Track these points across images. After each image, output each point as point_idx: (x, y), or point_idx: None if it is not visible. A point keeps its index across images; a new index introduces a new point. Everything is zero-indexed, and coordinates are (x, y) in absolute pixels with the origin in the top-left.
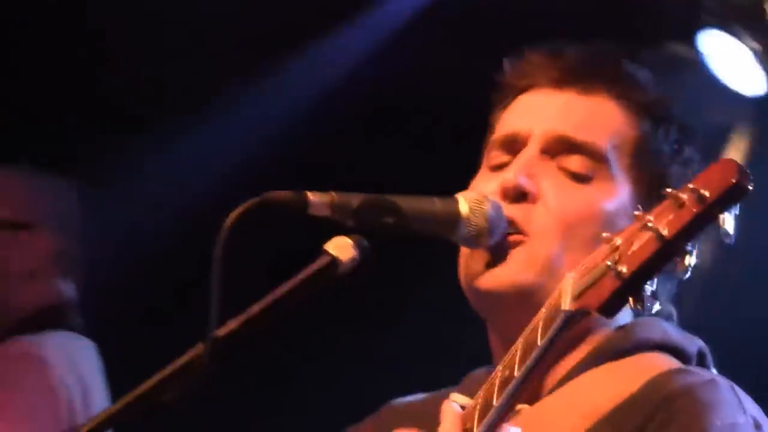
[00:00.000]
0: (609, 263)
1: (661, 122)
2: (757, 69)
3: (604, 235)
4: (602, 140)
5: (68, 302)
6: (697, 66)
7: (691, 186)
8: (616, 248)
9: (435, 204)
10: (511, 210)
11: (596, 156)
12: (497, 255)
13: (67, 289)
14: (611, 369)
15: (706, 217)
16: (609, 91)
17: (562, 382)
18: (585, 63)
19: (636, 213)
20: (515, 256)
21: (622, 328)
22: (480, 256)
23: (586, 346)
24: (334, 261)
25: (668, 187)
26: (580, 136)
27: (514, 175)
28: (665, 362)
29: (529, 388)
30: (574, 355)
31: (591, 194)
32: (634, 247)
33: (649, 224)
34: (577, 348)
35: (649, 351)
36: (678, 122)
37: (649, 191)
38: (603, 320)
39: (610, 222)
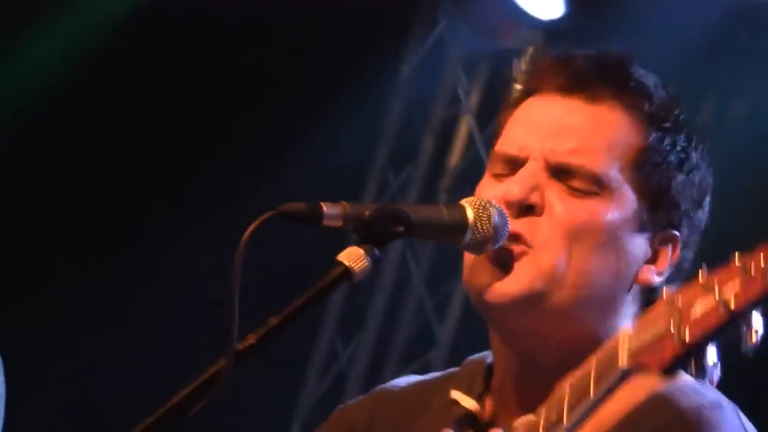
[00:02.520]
0: (672, 325)
1: (668, 131)
2: None
3: (665, 291)
4: (600, 160)
5: None
6: None
7: (763, 256)
8: (678, 309)
9: (442, 212)
10: (516, 225)
11: (594, 179)
12: (503, 267)
13: None
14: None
15: None
16: (616, 99)
17: None
18: (593, 70)
19: (700, 272)
20: (521, 267)
21: None
22: (485, 268)
23: None
24: (348, 271)
25: (673, 197)
26: (575, 160)
27: (519, 189)
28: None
29: None
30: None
31: (594, 206)
32: (698, 313)
33: (714, 290)
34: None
35: None
36: (685, 129)
37: (655, 201)
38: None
39: (613, 233)
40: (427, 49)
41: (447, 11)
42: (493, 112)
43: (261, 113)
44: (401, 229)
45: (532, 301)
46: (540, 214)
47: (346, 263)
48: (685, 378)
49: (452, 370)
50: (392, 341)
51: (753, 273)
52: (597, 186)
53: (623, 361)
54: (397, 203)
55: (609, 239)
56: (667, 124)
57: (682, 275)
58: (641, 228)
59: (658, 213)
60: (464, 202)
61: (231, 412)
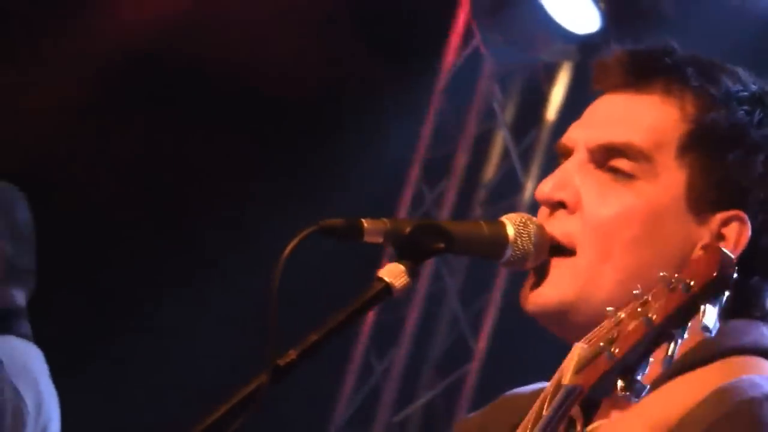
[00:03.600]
0: (607, 341)
1: (719, 109)
2: (590, 7)
3: (609, 309)
4: (643, 136)
5: (18, 309)
6: (530, 2)
7: (687, 271)
8: (618, 324)
9: (482, 228)
10: (551, 225)
11: (636, 154)
12: (540, 274)
13: (17, 295)
14: (690, 379)
15: (690, 307)
16: (664, 86)
17: (648, 391)
18: (641, 63)
19: (635, 293)
20: (555, 273)
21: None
22: (529, 278)
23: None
24: (389, 287)
25: (729, 174)
26: (617, 138)
27: (548, 186)
28: (748, 367)
29: None
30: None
31: (630, 195)
32: (630, 328)
33: (644, 306)
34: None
35: (738, 356)
36: (743, 105)
37: (708, 180)
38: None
39: (658, 218)
40: (462, 61)
41: (482, 24)
42: (527, 126)
43: (296, 127)
44: (442, 245)
45: (567, 308)
46: (573, 212)
47: (387, 279)
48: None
49: None
50: (427, 354)
51: (675, 288)
52: (643, 162)
53: (567, 378)
54: (433, 218)
55: (653, 226)
56: (718, 102)
57: None
58: (695, 210)
59: (714, 193)
60: (505, 218)
61: (265, 427)
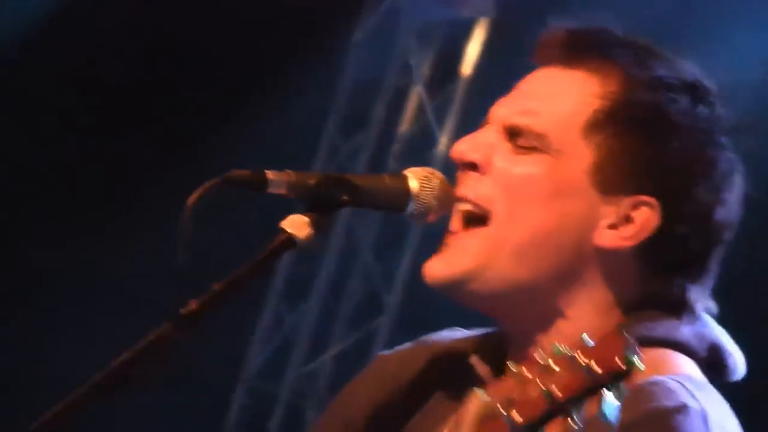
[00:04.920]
0: (507, 402)
1: (643, 93)
2: None
3: (509, 364)
4: (550, 120)
5: None
6: None
7: (592, 353)
8: (522, 382)
9: (386, 181)
10: (464, 188)
11: (537, 136)
12: (443, 245)
13: None
14: None
15: (591, 390)
16: (591, 64)
17: None
18: (573, 39)
19: (535, 355)
20: (456, 244)
21: (629, 319)
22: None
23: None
24: (291, 239)
25: (642, 160)
26: (522, 120)
27: (462, 146)
28: (659, 362)
29: None
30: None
31: (537, 160)
32: (531, 395)
33: (547, 374)
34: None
35: (651, 347)
36: (670, 92)
37: (618, 162)
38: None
39: (560, 189)
40: (381, 16)
41: None
42: (443, 81)
43: (212, 80)
44: (346, 198)
45: (460, 280)
46: (484, 173)
47: (290, 230)
48: (673, 362)
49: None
50: (339, 307)
51: (582, 367)
52: (541, 144)
53: (467, 429)
54: (348, 171)
55: (556, 196)
56: (643, 85)
57: (687, 258)
58: (601, 188)
59: (624, 174)
60: (408, 171)
61: (176, 377)
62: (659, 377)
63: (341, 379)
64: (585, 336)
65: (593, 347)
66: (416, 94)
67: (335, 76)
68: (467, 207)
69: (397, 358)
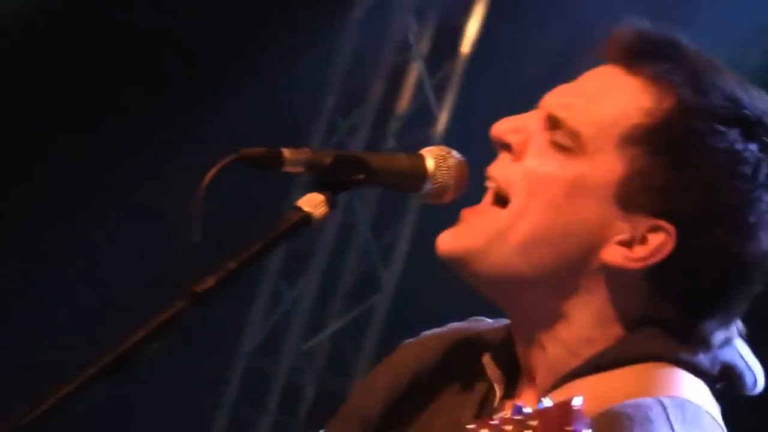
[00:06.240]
0: None
1: (690, 120)
2: None
3: (494, 419)
4: (590, 121)
5: None
6: None
7: (543, 417)
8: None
9: (402, 160)
10: (495, 168)
11: (574, 134)
12: (460, 219)
13: None
14: (592, 383)
15: None
16: (652, 75)
17: (555, 385)
18: (641, 44)
19: (524, 410)
20: (472, 220)
21: (634, 333)
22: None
23: (590, 347)
24: (307, 217)
25: (668, 185)
26: (563, 113)
27: (503, 125)
28: (657, 381)
29: None
30: (577, 358)
31: (563, 163)
32: None
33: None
34: (584, 348)
35: (651, 362)
36: (722, 124)
37: (644, 182)
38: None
39: (578, 192)
40: None
41: None
42: (442, 58)
43: (212, 56)
44: (362, 176)
45: (467, 256)
46: (517, 160)
47: (306, 209)
48: (672, 379)
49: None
50: (336, 284)
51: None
52: (575, 143)
53: None
54: (346, 148)
55: (573, 198)
56: (692, 110)
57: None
58: (622, 204)
59: (649, 196)
60: (425, 151)
61: (174, 352)
62: (643, 400)
63: (338, 357)
64: (546, 399)
65: (549, 411)
66: (415, 71)
67: (333, 52)
68: (494, 185)
69: (417, 349)
